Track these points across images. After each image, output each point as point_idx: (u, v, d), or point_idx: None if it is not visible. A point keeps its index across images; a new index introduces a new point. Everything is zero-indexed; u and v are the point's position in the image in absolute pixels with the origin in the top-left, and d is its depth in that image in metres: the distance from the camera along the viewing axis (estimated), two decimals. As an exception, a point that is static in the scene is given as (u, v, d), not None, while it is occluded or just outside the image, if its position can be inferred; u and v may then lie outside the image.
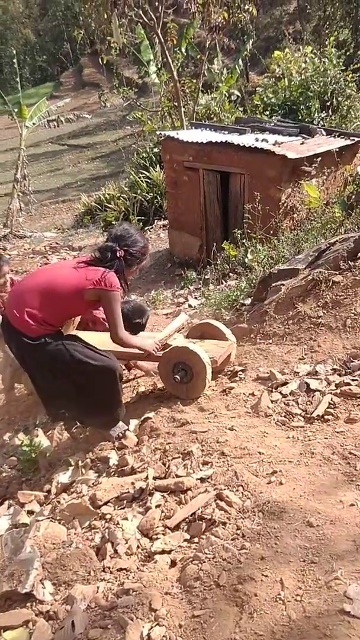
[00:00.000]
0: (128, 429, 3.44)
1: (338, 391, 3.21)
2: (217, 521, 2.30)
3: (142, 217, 12.19)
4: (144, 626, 1.81)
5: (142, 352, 3.54)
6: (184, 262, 9.45)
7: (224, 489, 2.53)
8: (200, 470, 2.77)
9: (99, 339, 3.57)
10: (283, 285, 4.20)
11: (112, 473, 3.04)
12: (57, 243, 13.30)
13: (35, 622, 1.95)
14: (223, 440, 2.99)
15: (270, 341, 4.01)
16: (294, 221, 7.53)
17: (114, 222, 11.31)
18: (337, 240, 4.19)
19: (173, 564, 2.13)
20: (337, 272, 4.05)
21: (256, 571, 1.94)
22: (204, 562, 2.03)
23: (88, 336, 3.65)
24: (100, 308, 3.35)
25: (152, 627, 1.80)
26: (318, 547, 2.04)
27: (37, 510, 2.95)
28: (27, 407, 4.42)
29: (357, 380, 3.33)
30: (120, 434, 3.42)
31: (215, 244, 7.65)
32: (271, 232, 7.01)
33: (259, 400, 3.34)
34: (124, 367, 4.18)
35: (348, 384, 3.27)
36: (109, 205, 12.72)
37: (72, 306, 3.25)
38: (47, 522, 2.55)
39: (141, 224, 11.67)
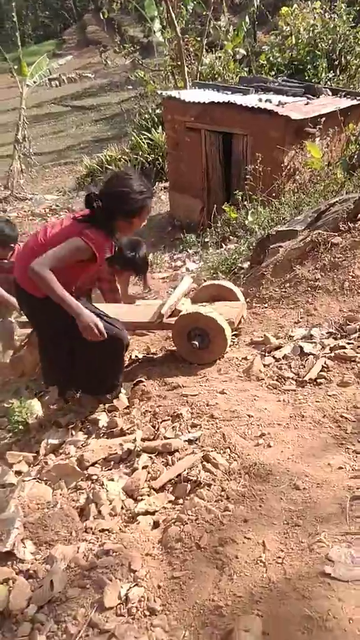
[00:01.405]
0: (120, 392, 3.39)
1: (332, 355, 3.15)
2: (202, 483, 2.28)
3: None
4: (122, 587, 1.79)
5: (153, 318, 3.46)
6: (185, 226, 9.32)
7: (211, 451, 2.50)
8: (189, 432, 2.73)
9: (113, 312, 3.47)
10: (281, 247, 4.10)
11: (101, 435, 3.01)
12: (56, 205, 13.12)
13: (15, 580, 1.94)
14: (213, 403, 2.94)
15: (267, 305, 3.94)
16: (297, 184, 7.37)
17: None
18: (336, 202, 4.07)
19: (156, 525, 2.11)
20: (336, 234, 3.94)
21: (238, 533, 1.91)
22: (186, 523, 2.00)
23: (100, 307, 3.57)
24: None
25: (130, 588, 1.78)
26: (303, 510, 2.01)
27: (25, 470, 2.93)
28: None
29: (352, 343, 3.27)
30: (112, 397, 3.37)
31: (216, 207, 7.51)
32: (273, 194, 6.87)
33: (251, 364, 3.29)
34: None
35: (343, 348, 3.21)
36: (110, 168, 12.51)
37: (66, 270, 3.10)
38: (32, 483, 2.53)
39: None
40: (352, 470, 2.21)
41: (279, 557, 1.78)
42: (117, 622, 1.67)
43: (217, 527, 1.96)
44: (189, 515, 2.04)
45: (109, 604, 1.73)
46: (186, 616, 1.67)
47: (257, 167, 6.62)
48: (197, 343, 3.42)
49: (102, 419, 3.14)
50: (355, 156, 4.64)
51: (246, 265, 4.83)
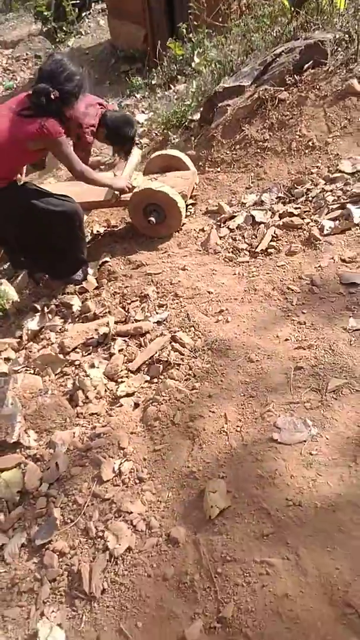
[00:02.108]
0: (88, 273, 3.63)
1: (281, 223, 3.38)
2: (172, 363, 2.65)
3: (77, 1, 10.80)
4: (115, 463, 2.22)
5: (108, 197, 3.59)
6: (129, 56, 8.71)
7: (178, 331, 2.84)
8: (157, 313, 3.05)
9: (65, 190, 3.55)
10: (229, 106, 4.08)
11: (77, 319, 3.31)
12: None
13: (26, 464, 2.37)
14: (176, 281, 3.22)
15: (219, 169, 4.04)
16: (244, 6, 6.85)
17: (45, 13, 10.05)
18: (282, 51, 3.96)
19: (136, 405, 2.51)
20: (283, 89, 3.92)
21: (205, 409, 2.33)
22: (162, 403, 2.41)
23: (52, 187, 3.63)
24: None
25: (121, 463, 2.22)
26: (256, 382, 2.41)
27: (12, 357, 3.27)
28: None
29: (299, 208, 3.49)
30: (81, 278, 3.61)
31: (160, 37, 7.01)
32: (219, 19, 6.44)
33: (208, 237, 3.52)
34: None
35: (291, 214, 3.43)
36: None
37: (17, 158, 3.16)
38: (23, 375, 2.88)
39: (76, 10, 10.39)
40: (297, 341, 2.59)
41: (238, 427, 2.21)
42: (115, 491, 2.13)
43: (187, 404, 2.37)
44: (163, 396, 2.44)
45: (106, 478, 2.18)
46: (168, 481, 2.13)
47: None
48: (153, 219, 3.60)
49: (75, 303, 3.42)
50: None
51: (197, 116, 4.78)
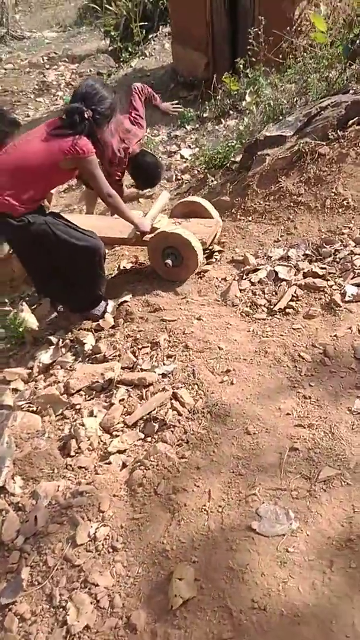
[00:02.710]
0: (107, 311, 3.63)
1: (303, 282, 3.30)
2: (168, 423, 2.60)
3: (146, 23, 10.98)
4: (92, 526, 2.19)
5: (131, 235, 3.61)
6: (188, 83, 8.78)
7: (181, 387, 2.80)
8: (164, 364, 3.01)
9: (90, 224, 3.59)
10: (268, 155, 4.03)
11: (87, 359, 3.31)
12: (55, 53, 12.25)
13: (8, 511, 2.36)
14: (189, 331, 3.19)
15: (250, 218, 3.99)
16: (307, 45, 6.81)
17: (112, 33, 10.27)
18: (328, 105, 3.90)
19: (124, 465, 2.47)
20: (324, 143, 3.85)
21: (190, 481, 2.27)
22: (149, 469, 2.36)
23: (77, 219, 3.67)
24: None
25: (98, 527, 2.18)
26: (249, 458, 2.34)
27: (20, 388, 3.29)
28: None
29: (325, 268, 3.41)
30: (100, 313, 3.62)
31: (220, 66, 7.01)
32: (279, 56, 6.42)
33: (228, 288, 3.47)
34: None
35: (315, 274, 3.35)
36: (110, 8, 11.40)
37: (50, 178, 3.21)
38: (23, 413, 2.88)
39: (144, 32, 10.57)
40: (298, 417, 2.51)
41: (220, 507, 2.15)
42: (86, 558, 2.09)
43: (174, 474, 2.31)
44: (151, 460, 2.39)
45: (80, 541, 2.14)
46: (141, 554, 2.07)
47: (261, 19, 6.08)
48: (170, 262, 3.57)
49: (89, 341, 3.42)
50: (358, 41, 4.26)
51: (239, 158, 4.75)
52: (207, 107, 6.69)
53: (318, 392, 2.63)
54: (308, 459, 2.26)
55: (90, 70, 10.99)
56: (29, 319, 3.87)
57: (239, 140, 4.84)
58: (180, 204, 3.98)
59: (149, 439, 2.61)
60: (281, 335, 3.05)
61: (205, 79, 8.45)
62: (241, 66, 6.36)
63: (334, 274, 3.35)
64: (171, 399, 2.75)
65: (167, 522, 2.15)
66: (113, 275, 4.09)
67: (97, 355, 3.28)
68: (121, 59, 10.69)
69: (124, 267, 4.14)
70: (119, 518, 2.22)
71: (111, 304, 3.67)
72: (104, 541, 2.14)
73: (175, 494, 2.23)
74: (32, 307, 4.01)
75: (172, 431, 2.56)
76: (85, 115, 3.05)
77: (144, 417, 2.72)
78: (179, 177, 5.27)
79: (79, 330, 3.59)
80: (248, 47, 6.56)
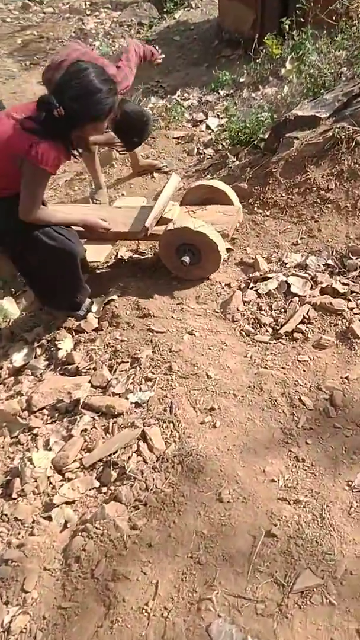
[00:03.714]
0: (91, 310, 3.16)
1: (318, 302, 2.76)
2: (128, 473, 2.15)
3: (195, -30, 10.12)
4: (8, 611, 1.78)
5: (137, 229, 3.08)
6: (233, 40, 8.01)
7: (153, 425, 2.34)
8: (140, 390, 2.55)
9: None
10: (297, 139, 3.41)
11: (59, 368, 2.86)
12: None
13: None
14: (177, 349, 2.71)
15: (269, 213, 3.41)
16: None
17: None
18: (374, 84, 3.25)
19: (65, 526, 2.04)
20: (365, 130, 3.22)
21: (137, 565, 1.83)
22: (92, 538, 1.92)
23: (73, 209, 3.19)
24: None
25: (15, 615, 1.77)
26: (214, 538, 1.88)
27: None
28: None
29: (348, 285, 2.86)
30: (83, 313, 3.16)
31: (266, 32, 6.27)
32: (333, 17, 5.65)
33: (230, 298, 2.95)
34: None
35: (334, 292, 2.81)
36: None
37: (10, 171, 2.67)
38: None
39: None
40: (285, 487, 2.03)
41: (166, 610, 1.70)
42: (-6, 654, 1.70)
43: (119, 550, 1.87)
44: (96, 528, 1.95)
45: (-9, 629, 1.74)
46: (60, 659, 1.67)
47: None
48: (187, 260, 3.06)
49: (64, 346, 2.97)
50: None
51: (267, 136, 4.13)
52: (245, 71, 5.98)
53: (315, 453, 2.13)
54: (286, 554, 1.79)
55: (131, 20, 10.24)
56: (9, 309, 3.44)
57: (270, 114, 4.19)
58: (194, 188, 3.40)
59: (104, 489, 2.17)
60: (283, 368, 2.54)
61: (251, 37, 7.67)
62: (287, 27, 5.63)
63: (358, 294, 2.79)
64: (139, 440, 2.30)
65: (100, 619, 1.72)
66: (108, 265, 3.60)
67: (69, 367, 2.83)
68: (165, 10, 9.93)
69: (121, 256, 3.64)
70: (44, 604, 1.80)
71: (96, 304, 3.20)
72: (19, 636, 1.73)
73: (114, 582, 1.79)
74: (16, 294, 3.56)
75: (131, 484, 2.11)
76: (55, 114, 2.37)
77: (104, 459, 2.28)
78: (201, 151, 4.66)
79: (59, 328, 3.15)
80: (297, 5, 5.82)
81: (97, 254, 3.15)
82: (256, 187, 3.51)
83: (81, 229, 3.00)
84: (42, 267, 2.89)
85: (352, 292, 2.80)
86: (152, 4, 10.29)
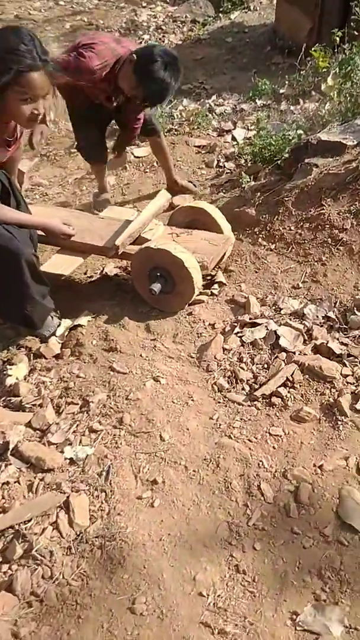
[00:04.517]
0: (55, 334, 2.80)
1: (307, 364, 2.33)
2: (35, 553, 1.78)
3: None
4: None
5: (109, 244, 2.71)
6: (286, 48, 7.56)
7: (82, 491, 1.97)
8: (80, 444, 2.17)
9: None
10: (316, 166, 2.98)
11: (3, 398, 2.51)
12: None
13: None
14: (135, 397, 2.33)
15: (273, 247, 2.98)
16: None
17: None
18: None
19: None
20: None
21: None
22: None
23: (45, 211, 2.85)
24: None
25: None
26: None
27: None
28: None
29: (346, 345, 2.43)
30: (48, 334, 2.80)
31: (324, 32, 5.81)
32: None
33: (210, 343, 2.54)
34: None
35: (329, 352, 2.38)
36: None
37: None
38: None
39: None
40: (213, 606, 1.62)
41: None
42: None
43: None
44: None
45: None
46: None
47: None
48: (155, 288, 2.67)
49: (15, 373, 2.61)
50: None
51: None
52: (287, 82, 5.54)
53: (260, 565, 1.72)
54: None
55: (185, 16, 9.87)
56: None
57: (298, 133, 3.76)
58: (182, 208, 3.01)
59: (4, 567, 1.80)
60: (249, 440, 2.12)
61: (307, 46, 7.22)
62: (337, 39, 5.17)
63: (356, 358, 2.36)
64: (61, 508, 1.93)
65: None
66: (90, 281, 3.24)
67: (14, 400, 2.47)
68: (221, 9, 9.53)
69: (107, 272, 3.27)
70: None
71: (63, 326, 2.83)
72: None
73: None
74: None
75: (33, 570, 1.74)
76: None
77: (15, 526, 1.91)
78: (221, 164, 4.26)
79: (19, 348, 2.80)
80: (352, 17, 5.36)
81: (63, 265, 2.79)
82: (264, 215, 3.09)
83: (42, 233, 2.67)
84: None
85: (349, 355, 2.37)
86: (209, 1, 9.90)
